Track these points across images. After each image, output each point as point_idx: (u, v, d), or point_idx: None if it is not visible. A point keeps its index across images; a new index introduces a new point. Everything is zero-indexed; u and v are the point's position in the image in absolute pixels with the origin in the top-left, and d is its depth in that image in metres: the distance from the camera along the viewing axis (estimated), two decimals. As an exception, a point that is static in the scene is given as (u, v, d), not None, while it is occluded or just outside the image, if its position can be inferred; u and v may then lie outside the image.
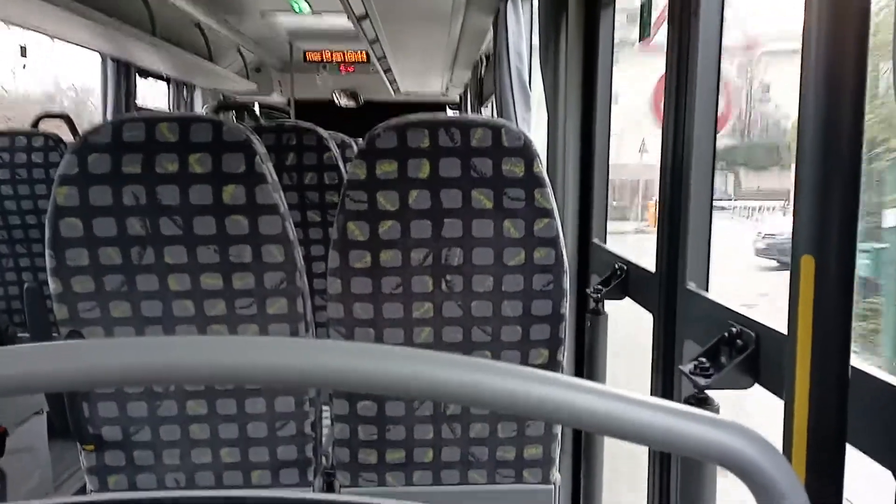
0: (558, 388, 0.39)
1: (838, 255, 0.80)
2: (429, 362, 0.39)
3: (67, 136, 3.33)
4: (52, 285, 1.50)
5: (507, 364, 0.39)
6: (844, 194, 0.79)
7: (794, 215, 0.85)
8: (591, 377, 2.06)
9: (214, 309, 1.54)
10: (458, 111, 7.85)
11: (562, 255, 1.55)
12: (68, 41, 3.59)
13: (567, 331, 1.62)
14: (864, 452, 0.89)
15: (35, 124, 3.55)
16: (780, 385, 0.93)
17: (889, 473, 0.85)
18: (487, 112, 5.67)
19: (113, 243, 1.49)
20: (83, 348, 0.39)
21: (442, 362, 0.39)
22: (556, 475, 1.69)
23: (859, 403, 0.85)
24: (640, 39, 2.09)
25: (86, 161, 1.45)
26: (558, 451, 1.68)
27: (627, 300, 2.00)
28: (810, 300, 0.82)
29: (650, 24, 2.07)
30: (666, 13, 1.64)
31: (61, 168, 1.46)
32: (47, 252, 1.48)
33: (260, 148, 1.50)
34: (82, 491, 1.66)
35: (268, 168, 1.50)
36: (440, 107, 8.07)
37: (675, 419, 0.39)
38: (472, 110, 6.33)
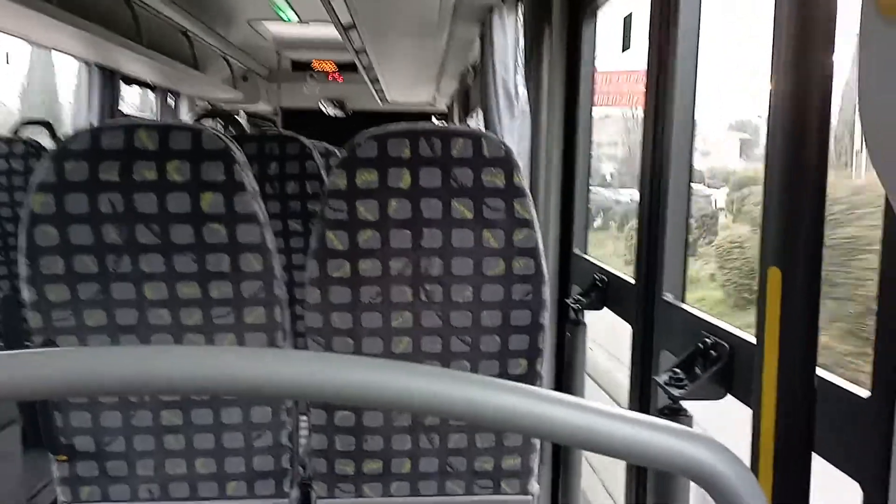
0: (527, 400, 0.39)
1: (804, 267, 0.81)
2: (406, 373, 0.39)
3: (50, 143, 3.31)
4: (27, 293, 1.48)
5: (479, 376, 0.39)
6: (810, 208, 0.80)
7: (761, 229, 0.86)
8: (569, 387, 2.06)
9: (191, 318, 1.53)
10: (444, 121, 7.87)
11: (541, 266, 1.55)
12: (53, 48, 3.57)
13: (546, 341, 1.62)
14: (831, 462, 0.90)
15: (15, 131, 3.53)
16: (750, 395, 0.94)
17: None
18: (473, 122, 5.69)
19: (88, 251, 1.48)
20: (55, 356, 0.39)
21: (419, 373, 0.39)
22: (534, 486, 1.68)
23: (826, 413, 0.86)
24: (622, 51, 2.11)
25: (63, 168, 1.44)
26: (537, 461, 1.68)
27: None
28: (777, 311, 0.82)
29: (630, 37, 2.09)
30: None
31: (38, 175, 1.45)
32: (22, 260, 1.47)
33: (240, 156, 1.49)
34: (55, 503, 1.63)
35: (247, 176, 1.50)
36: (426, 117, 8.09)
37: (641, 431, 0.39)
38: (459, 121, 6.35)
